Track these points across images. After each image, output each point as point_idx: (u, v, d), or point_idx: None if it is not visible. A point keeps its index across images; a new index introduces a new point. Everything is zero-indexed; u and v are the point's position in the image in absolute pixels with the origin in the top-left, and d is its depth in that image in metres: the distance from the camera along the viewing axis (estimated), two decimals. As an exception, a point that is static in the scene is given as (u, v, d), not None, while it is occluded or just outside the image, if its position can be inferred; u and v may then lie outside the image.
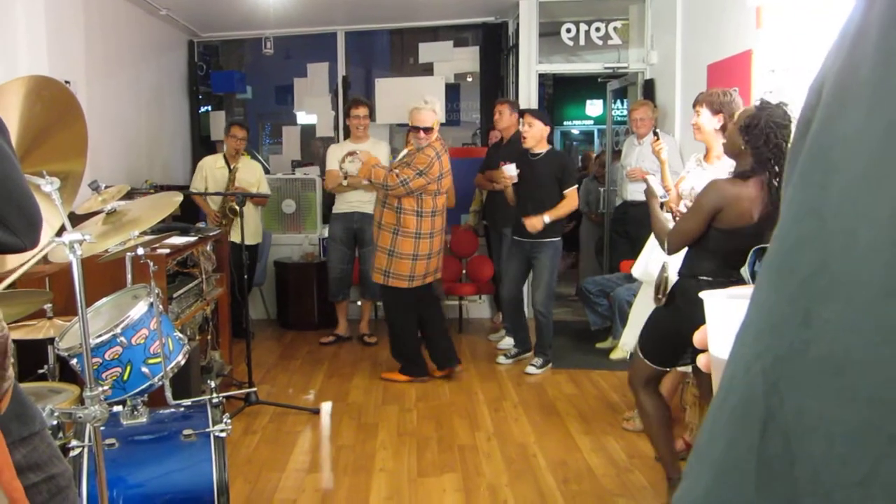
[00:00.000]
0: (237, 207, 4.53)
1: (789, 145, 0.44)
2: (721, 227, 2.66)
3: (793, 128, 2.58)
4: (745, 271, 2.77)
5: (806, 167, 0.38)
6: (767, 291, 0.38)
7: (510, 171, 4.84)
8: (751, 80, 4.02)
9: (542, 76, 6.56)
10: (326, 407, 4.40)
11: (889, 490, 0.30)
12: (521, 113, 5.06)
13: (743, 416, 0.36)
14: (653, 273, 3.25)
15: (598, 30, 6.14)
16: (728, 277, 2.67)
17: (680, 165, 4.77)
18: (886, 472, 0.30)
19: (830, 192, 0.35)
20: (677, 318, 2.78)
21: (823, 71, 0.40)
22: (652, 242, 3.72)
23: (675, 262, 3.04)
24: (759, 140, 2.56)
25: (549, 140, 5.04)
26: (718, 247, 2.69)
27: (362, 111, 5.52)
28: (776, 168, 2.57)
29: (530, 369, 5.05)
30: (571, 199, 4.83)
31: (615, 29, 6.14)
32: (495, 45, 6.75)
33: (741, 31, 4.22)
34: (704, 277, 2.71)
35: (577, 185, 4.91)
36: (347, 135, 5.95)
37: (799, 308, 0.35)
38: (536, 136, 4.83)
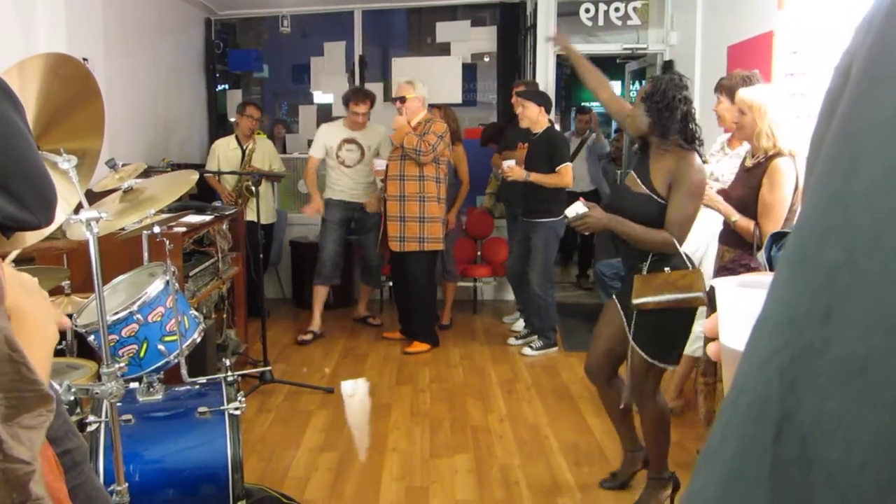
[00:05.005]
0: (253, 188, 4.53)
1: (812, 132, 0.42)
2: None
3: (691, 91, 2.72)
4: (761, 256, 2.74)
5: (831, 153, 0.36)
6: (786, 285, 0.36)
7: (508, 164, 4.91)
8: (772, 62, 3.96)
9: (559, 57, 6.49)
10: (340, 386, 4.43)
11: None
12: (518, 95, 5.07)
13: (757, 416, 0.34)
14: None
15: (617, 10, 6.06)
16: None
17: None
18: None
19: (858, 180, 0.33)
20: (677, 309, 2.69)
21: (852, 49, 0.38)
22: None
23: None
24: (662, 104, 2.63)
25: (566, 121, 5.04)
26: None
27: (362, 108, 5.25)
28: (694, 132, 2.67)
29: (526, 350, 5.08)
30: (559, 175, 4.84)
31: (635, 9, 6.05)
32: (513, 25, 6.69)
33: (763, 11, 4.15)
34: (683, 255, 2.74)
35: (569, 163, 4.91)
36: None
37: (820, 304, 0.33)
38: (531, 117, 4.90)
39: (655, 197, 2.67)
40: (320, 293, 5.48)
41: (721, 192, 3.02)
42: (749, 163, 2.93)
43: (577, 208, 2.71)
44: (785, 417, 0.33)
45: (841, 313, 0.32)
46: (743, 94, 2.92)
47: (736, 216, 2.88)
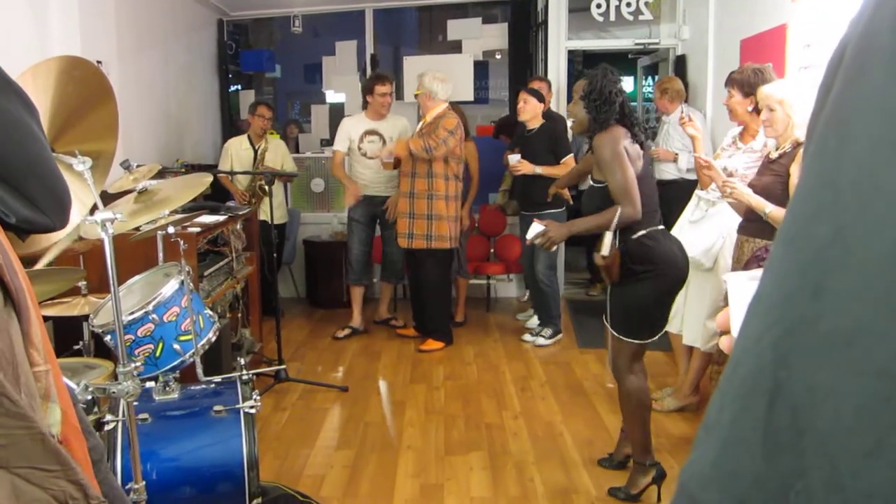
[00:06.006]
0: (266, 187, 4.55)
1: (809, 117, 0.44)
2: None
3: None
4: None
5: (823, 136, 0.37)
6: (780, 263, 0.38)
7: (512, 160, 4.92)
8: (785, 56, 3.93)
9: (571, 53, 6.48)
10: (355, 385, 4.44)
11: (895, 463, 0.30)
12: (519, 90, 5.09)
13: (751, 387, 0.36)
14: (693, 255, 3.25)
15: (628, 5, 6.03)
16: (655, 226, 2.82)
17: (709, 145, 4.70)
18: (894, 445, 0.30)
19: (846, 162, 0.35)
20: (638, 285, 2.80)
21: (845, 39, 0.40)
22: (680, 225, 3.68)
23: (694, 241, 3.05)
24: (600, 100, 2.78)
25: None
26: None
27: (388, 88, 5.32)
28: (631, 121, 2.83)
29: (539, 340, 5.10)
30: (566, 167, 4.86)
31: (646, 4, 6.03)
32: (524, 21, 6.67)
33: (776, 4, 4.12)
34: (641, 232, 2.80)
35: (572, 154, 4.98)
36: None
37: (810, 279, 0.35)
38: (531, 112, 4.94)
39: (597, 185, 2.83)
40: (356, 292, 5.51)
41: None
42: (774, 154, 2.96)
43: (535, 229, 2.86)
44: (777, 388, 0.35)
45: (830, 288, 0.34)
46: (769, 90, 2.91)
47: (769, 207, 2.86)
